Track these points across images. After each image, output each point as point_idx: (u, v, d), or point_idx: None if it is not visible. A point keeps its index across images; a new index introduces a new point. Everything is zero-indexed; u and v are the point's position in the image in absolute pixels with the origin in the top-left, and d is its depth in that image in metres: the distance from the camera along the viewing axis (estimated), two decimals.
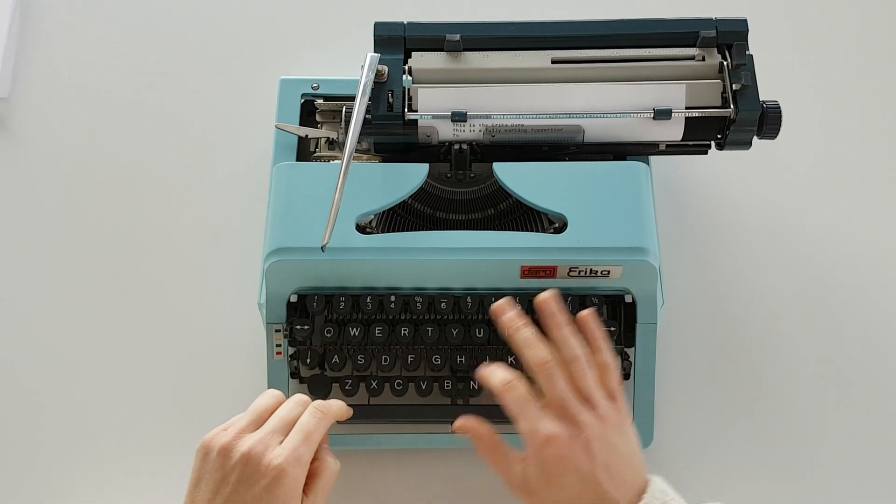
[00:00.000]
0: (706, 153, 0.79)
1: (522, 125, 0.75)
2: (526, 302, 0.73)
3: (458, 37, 0.76)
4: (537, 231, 0.75)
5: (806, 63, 0.95)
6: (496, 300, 0.67)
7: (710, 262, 0.86)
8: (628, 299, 0.75)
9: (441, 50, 0.77)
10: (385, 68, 0.75)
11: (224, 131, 0.91)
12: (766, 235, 0.87)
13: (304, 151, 0.82)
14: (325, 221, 0.69)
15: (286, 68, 0.90)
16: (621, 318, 0.75)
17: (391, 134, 0.75)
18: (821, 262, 0.86)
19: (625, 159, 0.77)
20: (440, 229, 0.74)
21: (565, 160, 0.76)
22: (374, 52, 0.75)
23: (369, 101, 0.73)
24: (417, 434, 0.75)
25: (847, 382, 0.82)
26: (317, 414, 0.66)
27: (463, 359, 0.74)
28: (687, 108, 0.75)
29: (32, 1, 0.97)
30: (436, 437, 0.75)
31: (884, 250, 0.87)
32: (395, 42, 0.77)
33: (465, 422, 0.67)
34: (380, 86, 0.74)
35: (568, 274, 0.72)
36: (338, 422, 0.68)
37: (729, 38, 0.76)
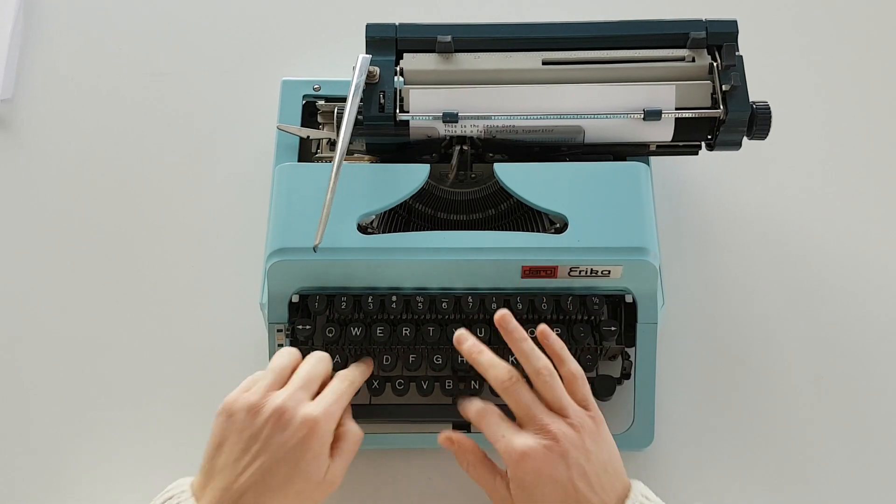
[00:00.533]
0: (697, 154, 0.80)
1: (514, 126, 0.76)
2: (526, 301, 0.73)
3: (449, 38, 0.76)
4: (538, 231, 0.75)
5: (806, 65, 0.96)
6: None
7: (710, 263, 0.86)
8: (629, 299, 0.75)
9: (433, 51, 0.77)
10: (376, 69, 0.75)
11: (226, 132, 0.91)
12: (766, 236, 0.87)
13: (306, 152, 0.83)
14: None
15: (288, 69, 0.91)
16: (622, 317, 0.75)
17: (383, 135, 0.76)
18: (820, 263, 0.86)
19: (624, 159, 0.77)
20: (441, 230, 0.75)
21: (566, 161, 0.76)
22: (366, 53, 0.76)
23: (361, 102, 0.73)
24: (419, 434, 0.76)
25: (847, 382, 0.82)
26: (345, 380, 0.68)
27: (464, 359, 0.74)
28: (677, 108, 0.75)
29: (35, 2, 0.97)
30: (437, 436, 0.75)
31: (883, 250, 0.87)
32: (387, 43, 0.77)
33: (449, 435, 0.67)
34: (371, 87, 0.75)
35: (569, 274, 0.72)
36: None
37: (719, 39, 0.77)
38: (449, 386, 0.75)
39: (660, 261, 0.74)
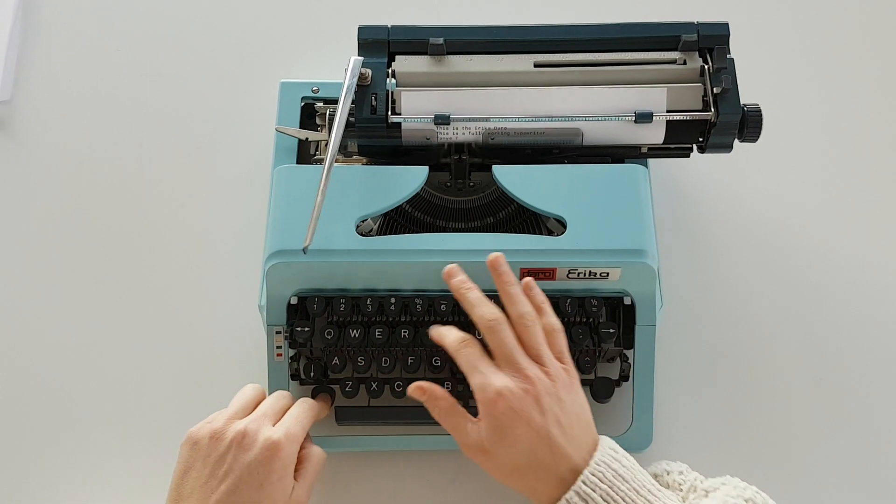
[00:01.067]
0: (688, 156, 0.80)
1: (506, 128, 0.76)
2: None
3: (441, 40, 0.76)
4: None
5: (803, 66, 0.96)
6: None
7: (708, 265, 0.86)
8: (627, 301, 0.75)
9: (425, 53, 0.77)
10: (369, 71, 0.75)
11: (225, 134, 0.91)
12: (764, 238, 0.87)
13: (305, 154, 0.83)
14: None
15: (286, 71, 0.91)
16: (620, 319, 0.75)
17: (374, 136, 0.76)
18: (818, 264, 0.86)
19: (623, 162, 0.77)
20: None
21: (564, 163, 0.76)
22: (358, 55, 0.76)
23: (353, 103, 0.73)
24: (418, 436, 0.75)
25: (847, 382, 0.82)
26: (305, 404, 0.70)
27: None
28: (668, 111, 0.75)
29: (34, 4, 0.97)
30: (436, 438, 0.75)
31: (881, 251, 0.87)
32: (380, 45, 0.77)
33: (420, 384, 0.67)
34: (363, 89, 0.75)
35: (567, 276, 0.73)
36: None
37: (710, 41, 0.77)
38: (448, 388, 0.74)
39: (658, 263, 0.74)
